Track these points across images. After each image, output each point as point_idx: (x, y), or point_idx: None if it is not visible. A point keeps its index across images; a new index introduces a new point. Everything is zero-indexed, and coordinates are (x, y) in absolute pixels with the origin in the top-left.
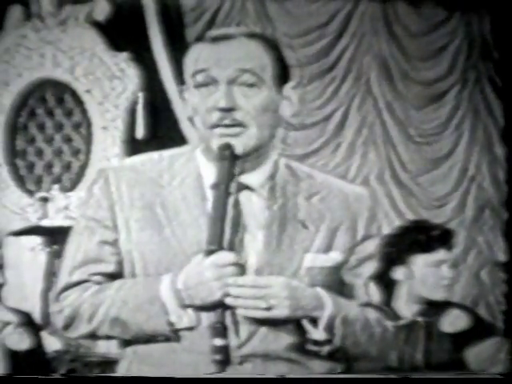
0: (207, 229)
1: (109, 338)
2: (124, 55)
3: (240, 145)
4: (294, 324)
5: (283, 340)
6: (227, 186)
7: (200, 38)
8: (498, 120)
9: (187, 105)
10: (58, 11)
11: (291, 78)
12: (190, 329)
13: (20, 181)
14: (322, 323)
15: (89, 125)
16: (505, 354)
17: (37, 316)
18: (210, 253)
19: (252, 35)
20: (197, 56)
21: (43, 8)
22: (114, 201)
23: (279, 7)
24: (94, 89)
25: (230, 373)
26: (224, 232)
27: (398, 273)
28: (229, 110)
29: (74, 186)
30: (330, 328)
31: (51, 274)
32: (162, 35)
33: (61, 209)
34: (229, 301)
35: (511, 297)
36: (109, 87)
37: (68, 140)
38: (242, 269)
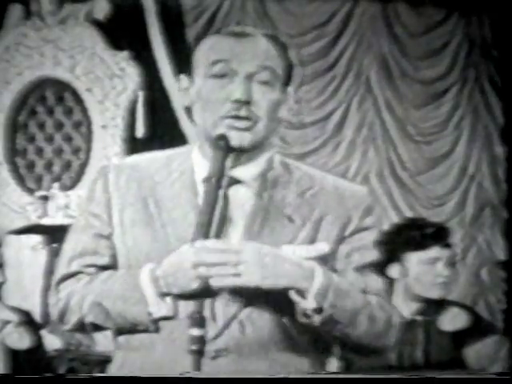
0: (196, 220)
1: (98, 328)
2: (124, 54)
3: (245, 139)
4: (274, 318)
5: (260, 334)
6: (219, 177)
7: (217, 32)
8: (498, 119)
9: (187, 94)
10: (58, 10)
11: (292, 80)
12: (169, 318)
13: (20, 179)
14: (312, 292)
15: (89, 123)
16: (504, 353)
17: (37, 315)
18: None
19: (268, 35)
20: (214, 46)
21: (43, 7)
22: (110, 196)
23: (279, 6)
24: (94, 87)
25: (204, 368)
26: (211, 224)
27: (393, 271)
28: (245, 102)
29: (74, 184)
30: (321, 296)
31: (51, 273)
32: (162, 34)
33: (61, 207)
34: (201, 270)
35: (511, 296)
36: (109, 86)
37: (68, 139)
38: None
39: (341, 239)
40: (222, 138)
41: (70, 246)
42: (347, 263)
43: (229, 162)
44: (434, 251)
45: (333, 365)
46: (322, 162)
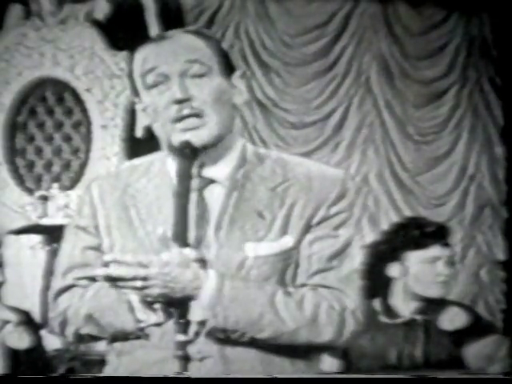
0: (172, 226)
1: (94, 339)
2: (124, 54)
3: (201, 137)
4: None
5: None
6: (188, 182)
7: (140, 44)
8: (498, 119)
9: (146, 115)
10: (57, 10)
11: (236, 68)
12: (158, 325)
13: (20, 179)
14: (201, 302)
15: (88, 123)
16: (504, 353)
17: (36, 314)
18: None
19: (190, 31)
20: (142, 58)
21: (43, 7)
22: (95, 208)
23: (279, 6)
24: (93, 88)
25: (191, 370)
26: (187, 228)
27: (393, 270)
28: (185, 100)
29: (73, 184)
30: (210, 307)
31: (51, 273)
32: None
33: (60, 207)
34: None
35: (510, 295)
36: (108, 86)
37: (68, 139)
38: (203, 264)
39: (307, 228)
40: (186, 145)
41: (62, 259)
42: (309, 254)
43: (197, 163)
44: (434, 250)
45: (329, 363)
46: (321, 162)
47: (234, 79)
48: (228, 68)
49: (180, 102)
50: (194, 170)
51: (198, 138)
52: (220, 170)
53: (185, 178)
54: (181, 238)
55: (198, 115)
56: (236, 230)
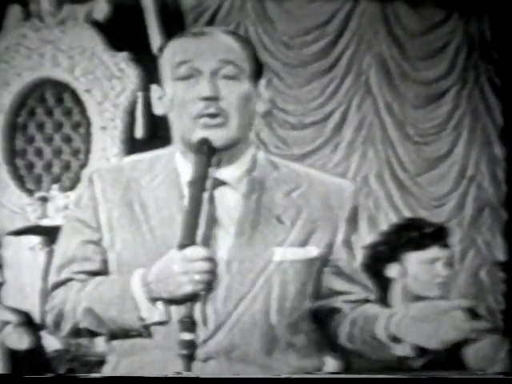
0: (181, 224)
1: (92, 334)
2: (123, 55)
3: (221, 137)
4: (263, 322)
5: (250, 338)
6: (203, 180)
7: (177, 36)
8: (497, 120)
9: (161, 103)
10: (57, 11)
11: (264, 77)
12: (161, 323)
13: (19, 180)
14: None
15: (88, 124)
16: (503, 353)
17: (36, 315)
18: (182, 247)
19: (228, 32)
20: (176, 49)
21: (42, 8)
22: (97, 202)
23: (279, 7)
24: (93, 88)
25: (195, 371)
26: (197, 227)
27: (392, 270)
28: (213, 98)
29: (73, 185)
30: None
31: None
32: (162, 35)
33: (60, 208)
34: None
35: (510, 296)
36: (108, 87)
37: (67, 140)
38: (212, 264)
39: (331, 244)
40: (204, 142)
41: (59, 253)
42: (337, 268)
43: (211, 163)
44: (433, 251)
45: (332, 365)
46: (321, 163)
47: (260, 87)
48: (257, 75)
49: (208, 99)
50: (211, 170)
51: (217, 137)
52: (231, 173)
53: (201, 176)
54: (190, 236)
55: (221, 116)
56: (257, 236)
